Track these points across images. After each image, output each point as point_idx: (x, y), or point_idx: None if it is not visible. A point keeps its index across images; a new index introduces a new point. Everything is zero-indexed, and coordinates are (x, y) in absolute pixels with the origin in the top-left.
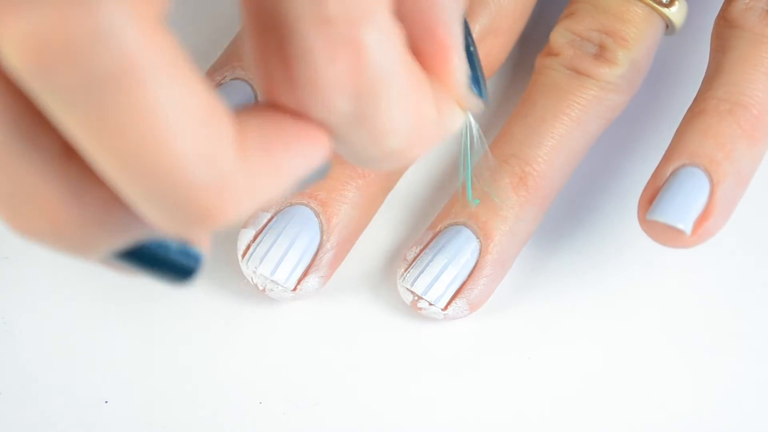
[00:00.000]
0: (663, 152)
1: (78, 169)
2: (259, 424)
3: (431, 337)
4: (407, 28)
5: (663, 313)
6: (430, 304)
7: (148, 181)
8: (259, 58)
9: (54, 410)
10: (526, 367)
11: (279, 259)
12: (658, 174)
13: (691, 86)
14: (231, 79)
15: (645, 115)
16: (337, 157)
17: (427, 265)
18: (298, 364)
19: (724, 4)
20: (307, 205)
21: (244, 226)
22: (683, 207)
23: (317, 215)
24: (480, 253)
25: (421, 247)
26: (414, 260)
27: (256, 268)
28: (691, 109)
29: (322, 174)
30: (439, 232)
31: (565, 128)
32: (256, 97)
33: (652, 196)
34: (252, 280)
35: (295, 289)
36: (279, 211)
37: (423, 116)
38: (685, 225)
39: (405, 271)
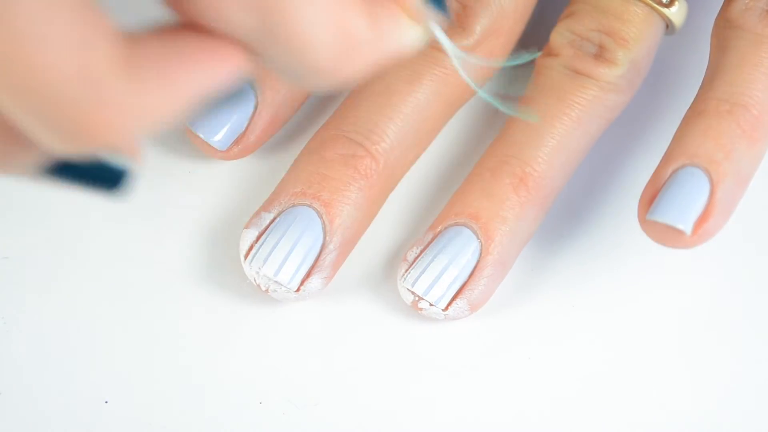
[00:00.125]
0: (663, 152)
1: None
2: (259, 424)
3: (431, 337)
4: None
5: (663, 313)
6: (431, 305)
7: (23, 99)
8: None
9: (54, 410)
10: (527, 367)
11: (282, 260)
12: (659, 174)
13: (691, 86)
14: None
15: (645, 115)
16: (339, 158)
17: (428, 265)
18: (298, 364)
19: (724, 4)
20: (309, 206)
21: (247, 226)
22: (683, 207)
23: (320, 216)
24: (481, 254)
25: (422, 247)
26: (415, 261)
27: (259, 268)
28: (691, 110)
29: (242, 94)
30: (440, 232)
31: (566, 128)
32: (256, 97)
33: (652, 197)
34: (255, 280)
35: (298, 289)
36: (282, 212)
37: (349, 29)
38: (686, 225)
39: (406, 271)
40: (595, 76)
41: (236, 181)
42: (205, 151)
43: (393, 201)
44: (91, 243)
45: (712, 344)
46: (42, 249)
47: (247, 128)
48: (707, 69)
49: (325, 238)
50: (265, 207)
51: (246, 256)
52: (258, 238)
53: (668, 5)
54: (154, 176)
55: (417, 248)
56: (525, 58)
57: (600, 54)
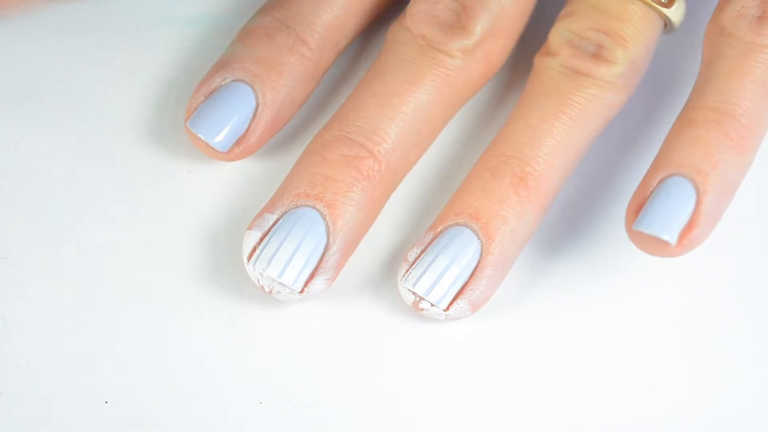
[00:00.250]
0: None
1: None
2: (259, 424)
3: (431, 337)
4: None
5: (663, 313)
6: (432, 305)
7: None
8: None
9: (54, 410)
10: (527, 366)
11: (286, 261)
12: (646, 183)
13: (690, 86)
14: (231, 81)
15: (645, 115)
16: (342, 159)
17: (429, 266)
18: (298, 364)
19: (716, 9)
20: (313, 207)
21: (250, 227)
22: (669, 218)
23: (323, 217)
24: (481, 254)
25: (422, 247)
26: (415, 261)
27: (263, 270)
28: (680, 118)
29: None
30: (440, 232)
31: (565, 128)
32: (257, 98)
33: (639, 206)
34: (258, 282)
35: (302, 291)
36: (285, 213)
37: None
38: (670, 236)
39: (406, 271)
40: (594, 75)
41: (237, 182)
42: (205, 153)
43: (392, 201)
44: (91, 243)
45: (712, 344)
46: (42, 249)
47: (248, 129)
48: (698, 75)
49: (328, 239)
50: (268, 208)
51: (249, 258)
52: (261, 239)
53: (667, 5)
54: (155, 177)
55: (417, 248)
56: None
57: (599, 53)
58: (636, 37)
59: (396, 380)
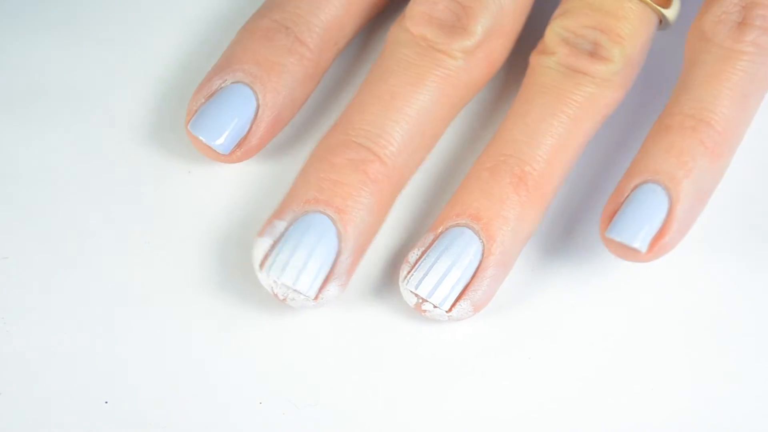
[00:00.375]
0: None
1: None
2: (259, 424)
3: (431, 337)
4: None
5: (664, 313)
6: (435, 307)
7: None
8: None
9: (54, 410)
10: (527, 367)
11: (300, 268)
12: (620, 189)
13: None
14: (231, 83)
15: (645, 115)
16: (349, 164)
17: (431, 267)
18: (298, 364)
19: (699, 12)
20: (323, 213)
21: (260, 234)
22: (640, 226)
23: (334, 222)
24: (483, 255)
25: (423, 249)
26: (417, 262)
27: (277, 277)
28: (657, 123)
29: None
30: (441, 233)
31: (564, 127)
32: (257, 100)
33: (612, 212)
34: (272, 290)
35: (316, 297)
36: (295, 220)
37: None
38: (641, 244)
39: (408, 273)
40: (591, 73)
41: (237, 182)
42: (207, 155)
43: None
44: (91, 243)
45: (712, 344)
46: (42, 249)
47: (249, 131)
48: (678, 80)
49: (340, 244)
50: (278, 215)
51: (261, 266)
52: (272, 246)
53: (663, 4)
54: (155, 176)
55: (418, 250)
56: None
57: (595, 51)
58: (632, 34)
59: (396, 380)
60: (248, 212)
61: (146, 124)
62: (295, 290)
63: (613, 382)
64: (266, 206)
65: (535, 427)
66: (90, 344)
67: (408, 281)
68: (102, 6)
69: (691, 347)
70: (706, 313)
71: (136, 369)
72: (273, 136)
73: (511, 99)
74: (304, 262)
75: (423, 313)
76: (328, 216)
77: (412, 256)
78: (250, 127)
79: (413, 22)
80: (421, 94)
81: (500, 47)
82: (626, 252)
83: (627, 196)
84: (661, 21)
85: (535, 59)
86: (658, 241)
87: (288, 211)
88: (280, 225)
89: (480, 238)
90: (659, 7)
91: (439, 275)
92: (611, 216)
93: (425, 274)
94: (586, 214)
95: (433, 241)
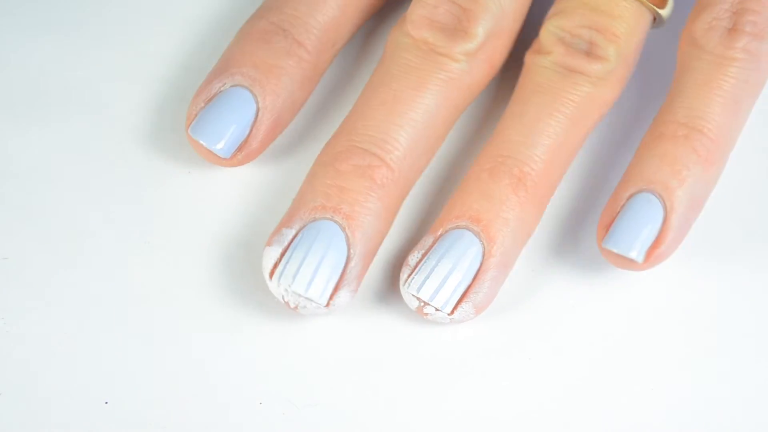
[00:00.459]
0: None
1: None
2: (259, 424)
3: (431, 337)
4: None
5: (664, 313)
6: (437, 310)
7: None
8: None
9: (54, 410)
10: (527, 367)
11: (311, 276)
12: (616, 199)
13: None
14: (230, 86)
15: (645, 115)
16: (355, 170)
17: (432, 270)
18: (298, 364)
19: (690, 17)
20: (331, 219)
21: (268, 244)
22: (636, 237)
23: (342, 229)
24: (483, 256)
25: (423, 251)
26: (417, 265)
27: (288, 286)
28: (650, 131)
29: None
30: (441, 236)
31: (561, 127)
32: (257, 103)
33: (609, 222)
34: (283, 298)
35: (328, 304)
36: (304, 227)
37: None
38: (638, 255)
39: (409, 276)
40: (587, 72)
41: (237, 182)
42: (207, 159)
43: None
44: (91, 243)
45: (712, 344)
46: (42, 249)
47: (249, 134)
48: (671, 86)
49: (349, 250)
50: (285, 223)
51: (271, 274)
52: (282, 254)
53: (659, 4)
54: (155, 177)
55: (418, 252)
56: None
57: (591, 50)
58: (627, 33)
59: (396, 380)
60: (248, 212)
61: (146, 124)
62: (306, 298)
63: (613, 383)
64: (266, 206)
65: (535, 428)
66: (90, 344)
67: (409, 285)
68: (102, 6)
69: (691, 347)
70: (706, 313)
71: (136, 369)
72: (273, 139)
73: (505, 98)
74: (314, 270)
75: (425, 316)
76: (337, 222)
77: (412, 258)
78: (251, 131)
79: (414, 25)
80: (425, 98)
81: (501, 48)
82: (623, 262)
83: (622, 206)
84: (655, 19)
85: (530, 59)
86: (654, 251)
87: (296, 218)
88: (289, 233)
89: (480, 240)
90: (654, 6)
91: (441, 278)
92: (607, 226)
93: (426, 278)
94: (586, 215)
95: (433, 243)
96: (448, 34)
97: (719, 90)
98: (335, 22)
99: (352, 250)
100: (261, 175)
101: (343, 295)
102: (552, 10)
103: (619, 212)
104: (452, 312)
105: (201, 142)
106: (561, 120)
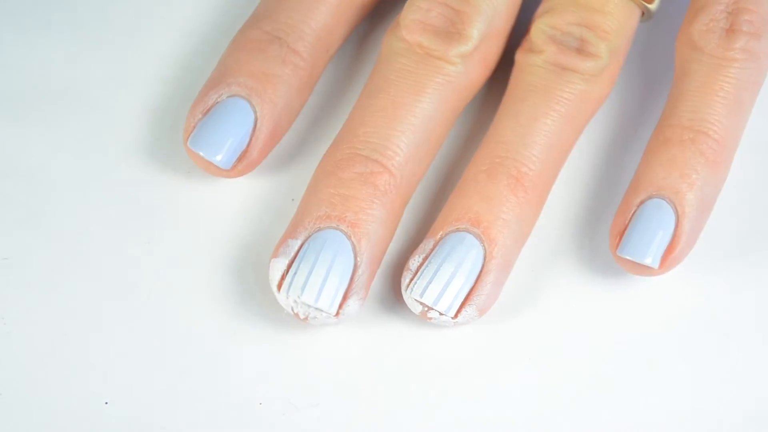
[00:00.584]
0: None
1: None
2: (259, 424)
3: (431, 338)
4: None
5: (664, 313)
6: (441, 314)
7: None
8: None
9: (54, 410)
10: (527, 367)
11: (320, 286)
12: (626, 206)
13: None
14: (227, 97)
15: (645, 114)
16: (357, 177)
17: (435, 274)
18: (298, 364)
19: (686, 18)
20: (336, 228)
21: (274, 255)
22: (650, 243)
23: (348, 237)
24: (485, 258)
25: (424, 255)
26: (418, 269)
27: (298, 297)
28: (656, 136)
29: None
30: (441, 239)
31: (556, 125)
32: (255, 113)
33: (621, 230)
34: (293, 310)
35: (338, 314)
36: (309, 237)
37: None
38: (653, 261)
39: (411, 281)
40: (579, 70)
41: (237, 181)
42: (207, 171)
43: None
44: (91, 243)
45: (712, 344)
46: (42, 249)
47: (249, 144)
48: (672, 87)
49: (356, 258)
50: (290, 234)
51: (279, 286)
52: (289, 266)
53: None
54: (154, 177)
55: (419, 256)
56: None
57: (582, 48)
58: (617, 29)
59: (396, 381)
60: (248, 213)
61: (146, 125)
62: (316, 308)
63: (614, 383)
64: (266, 205)
65: (536, 428)
66: (90, 344)
67: (412, 289)
68: (102, 6)
69: (691, 347)
70: (709, 314)
71: (136, 369)
72: (273, 148)
73: (495, 97)
74: (323, 280)
75: (429, 320)
76: (342, 231)
77: (413, 263)
78: (250, 140)
79: (408, 30)
80: (423, 102)
81: (495, 48)
82: (639, 269)
83: (633, 213)
84: (643, 13)
85: (522, 58)
86: (669, 256)
87: (300, 229)
88: (294, 244)
89: (481, 243)
90: (642, 1)
91: (443, 282)
92: (620, 234)
93: (429, 282)
94: (587, 215)
95: (434, 247)
96: (443, 37)
97: (721, 92)
98: (328, 28)
99: (359, 258)
100: (261, 173)
101: (353, 304)
102: (541, 8)
103: (630, 219)
104: (456, 316)
105: (201, 154)
106: (556, 119)
